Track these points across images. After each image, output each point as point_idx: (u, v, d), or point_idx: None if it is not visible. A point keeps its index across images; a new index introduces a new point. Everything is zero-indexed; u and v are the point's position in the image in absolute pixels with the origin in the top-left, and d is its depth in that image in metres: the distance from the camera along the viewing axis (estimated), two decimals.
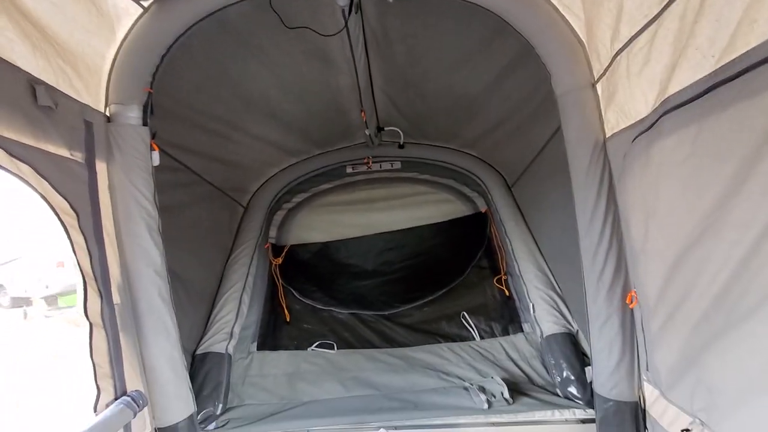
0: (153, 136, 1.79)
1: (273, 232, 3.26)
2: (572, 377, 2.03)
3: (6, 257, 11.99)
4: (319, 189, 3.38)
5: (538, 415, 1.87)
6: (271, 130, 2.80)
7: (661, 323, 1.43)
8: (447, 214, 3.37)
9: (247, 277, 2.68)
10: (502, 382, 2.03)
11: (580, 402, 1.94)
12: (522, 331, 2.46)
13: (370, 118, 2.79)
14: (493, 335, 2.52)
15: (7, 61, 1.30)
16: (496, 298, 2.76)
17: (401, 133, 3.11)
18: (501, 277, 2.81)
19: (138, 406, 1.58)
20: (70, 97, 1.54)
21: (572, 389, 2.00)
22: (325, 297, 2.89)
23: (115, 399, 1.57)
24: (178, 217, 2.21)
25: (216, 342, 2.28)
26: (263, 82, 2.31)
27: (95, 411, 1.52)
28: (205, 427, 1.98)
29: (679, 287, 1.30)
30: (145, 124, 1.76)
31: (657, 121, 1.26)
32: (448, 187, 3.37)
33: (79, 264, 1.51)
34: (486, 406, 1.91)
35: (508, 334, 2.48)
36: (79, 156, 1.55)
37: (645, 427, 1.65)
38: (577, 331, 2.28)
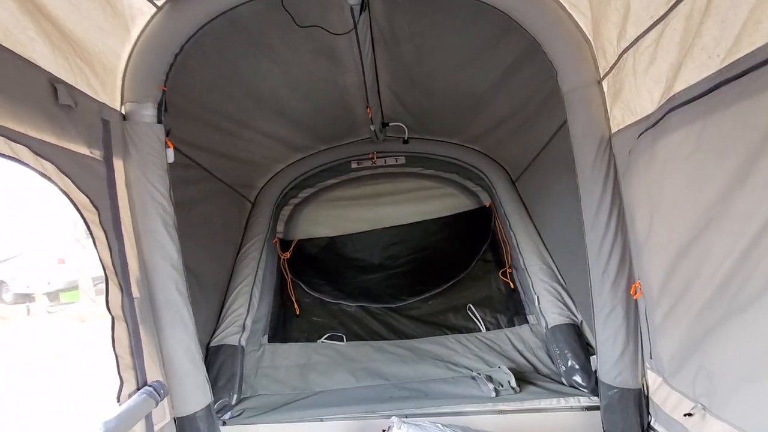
0: (167, 133, 1.83)
1: (280, 227, 3.31)
2: (577, 366, 2.10)
3: (7, 254, 12.02)
4: (324, 184, 3.42)
5: (544, 402, 1.94)
6: (279, 126, 2.84)
7: (665, 313, 1.49)
8: (451, 209, 3.42)
9: (257, 271, 2.73)
10: (509, 372, 2.09)
11: (585, 390, 2.01)
12: (527, 322, 2.52)
13: (375, 115, 2.82)
14: (498, 327, 2.59)
15: (29, 61, 1.33)
16: (501, 290, 2.82)
17: (406, 129, 3.14)
18: (506, 270, 2.87)
19: (159, 395, 1.64)
20: (88, 95, 1.57)
21: (577, 378, 2.07)
22: (333, 290, 2.94)
23: (137, 389, 1.63)
24: (190, 213, 2.25)
25: (229, 334, 2.34)
26: (272, 80, 2.34)
27: (118, 401, 1.58)
28: (221, 416, 2.04)
29: (682, 278, 1.35)
30: (159, 121, 1.79)
31: (663, 117, 1.30)
32: (452, 182, 3.41)
33: (100, 259, 1.56)
34: (494, 394, 1.98)
35: (514, 325, 2.54)
36: (97, 153, 1.59)
37: (648, 413, 1.71)
38: (581, 321, 2.34)
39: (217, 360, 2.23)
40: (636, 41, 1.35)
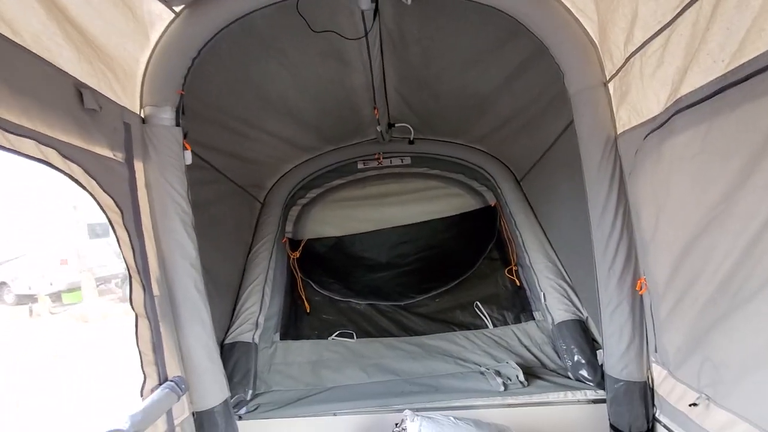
0: (185, 136, 1.87)
1: (289, 227, 3.35)
2: (583, 361, 2.15)
3: (8, 255, 12.04)
4: (331, 185, 3.46)
5: (552, 396, 2.00)
6: (287, 127, 2.88)
7: (670, 307, 1.54)
8: (457, 208, 3.46)
9: (268, 270, 2.78)
10: (517, 366, 2.15)
11: (591, 384, 2.06)
12: (533, 318, 2.58)
13: (382, 116, 2.87)
14: (505, 323, 2.64)
15: (56, 67, 1.38)
16: (507, 288, 2.88)
17: (411, 130, 3.19)
18: (512, 268, 2.92)
19: (181, 390, 1.68)
20: (111, 99, 1.62)
21: (583, 372, 2.12)
22: (342, 289, 2.99)
23: (159, 384, 1.68)
24: (204, 214, 2.29)
25: (243, 332, 2.39)
26: (282, 82, 2.38)
27: (141, 395, 1.63)
28: (237, 411, 2.09)
29: (687, 274, 1.40)
30: (177, 124, 1.83)
31: (669, 119, 1.35)
32: (457, 182, 3.45)
33: (124, 258, 1.61)
34: (502, 388, 2.03)
35: (520, 321, 2.60)
36: (120, 156, 1.64)
37: (653, 405, 1.76)
38: (587, 317, 2.39)
39: (232, 357, 2.28)
40: (643, 45, 1.40)
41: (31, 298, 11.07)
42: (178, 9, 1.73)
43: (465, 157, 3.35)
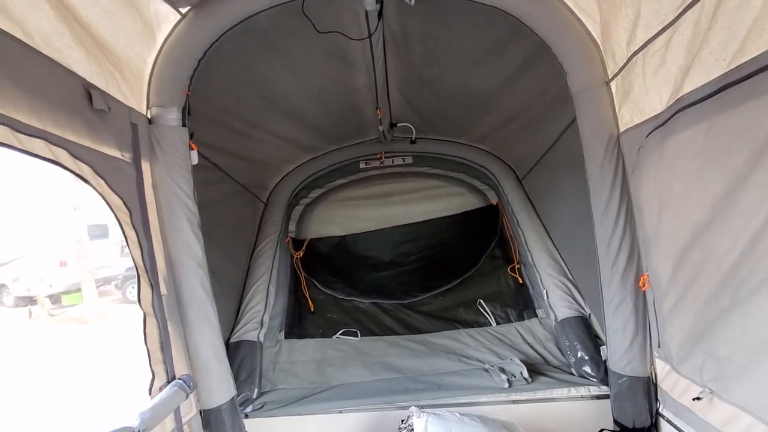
0: (191, 136, 1.89)
1: (292, 227, 3.37)
2: (586, 357, 2.17)
3: (7, 257, 12.01)
4: (334, 184, 3.48)
5: (556, 392, 2.02)
6: (290, 127, 2.90)
7: (673, 303, 1.56)
8: (459, 207, 3.49)
9: (271, 269, 2.80)
10: (521, 363, 2.16)
11: (595, 380, 2.08)
12: (536, 316, 2.60)
13: (384, 115, 2.89)
14: (508, 321, 2.66)
15: (66, 68, 1.39)
16: (510, 285, 2.90)
17: (413, 129, 3.21)
18: (514, 266, 2.94)
19: (189, 388, 1.70)
20: (119, 100, 1.63)
21: (587, 368, 2.14)
22: (346, 288, 3.01)
23: (167, 383, 1.69)
24: (208, 214, 2.30)
25: (248, 331, 2.41)
26: (285, 82, 2.40)
27: (150, 393, 1.64)
28: (243, 409, 2.11)
29: (689, 270, 1.42)
30: (184, 125, 1.85)
31: (671, 117, 1.37)
32: (459, 181, 3.48)
33: (133, 257, 1.62)
34: (506, 385, 2.05)
35: (523, 319, 2.62)
36: (127, 156, 1.65)
37: (657, 400, 1.79)
38: (590, 314, 2.41)
39: (237, 355, 2.29)
40: (646, 45, 1.42)
41: (30, 300, 11.05)
42: (184, 10, 1.75)
43: (467, 156, 3.37)
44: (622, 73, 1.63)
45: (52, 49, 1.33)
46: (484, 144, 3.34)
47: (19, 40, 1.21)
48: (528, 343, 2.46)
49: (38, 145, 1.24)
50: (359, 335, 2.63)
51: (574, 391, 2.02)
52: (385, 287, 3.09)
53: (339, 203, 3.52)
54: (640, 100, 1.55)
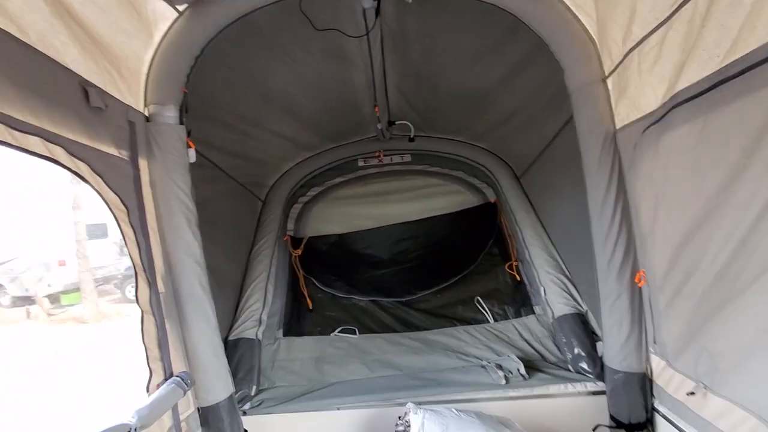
0: (188, 134, 1.89)
1: (291, 225, 3.37)
2: (583, 353, 2.18)
3: (5, 256, 11.98)
4: (332, 182, 3.48)
5: (553, 388, 2.03)
6: (288, 125, 2.90)
7: (668, 299, 1.57)
8: (458, 205, 3.49)
9: (270, 267, 2.80)
10: (518, 360, 2.18)
11: (591, 376, 2.10)
12: (533, 313, 2.61)
13: (382, 113, 2.89)
14: (506, 318, 2.68)
15: (62, 65, 1.39)
16: (507, 283, 2.91)
17: (412, 127, 3.21)
18: (512, 263, 2.96)
19: (187, 385, 1.70)
20: (116, 98, 1.63)
21: (583, 364, 2.16)
22: (344, 285, 3.02)
23: (165, 380, 1.69)
24: (206, 212, 2.30)
25: (247, 328, 2.41)
26: (283, 80, 2.40)
27: (147, 391, 1.64)
28: (242, 407, 2.12)
29: (684, 265, 1.43)
30: (181, 122, 1.85)
31: (666, 114, 1.38)
32: (458, 179, 3.48)
33: (130, 255, 1.63)
34: (504, 381, 2.07)
35: (521, 316, 2.63)
36: (125, 154, 1.65)
37: (652, 395, 1.80)
38: (587, 311, 2.42)
39: (236, 353, 2.30)
40: (641, 41, 1.42)
41: (28, 300, 11.04)
42: (181, 8, 1.74)
43: (465, 154, 3.38)
44: (618, 69, 1.64)
45: (49, 46, 1.33)
46: (482, 142, 3.35)
47: (15, 37, 1.21)
48: (525, 340, 2.47)
49: (35, 143, 1.24)
50: (357, 333, 2.64)
51: (570, 387, 2.03)
52: (383, 285, 3.10)
53: (337, 201, 3.53)
54: (636, 96, 1.55)
